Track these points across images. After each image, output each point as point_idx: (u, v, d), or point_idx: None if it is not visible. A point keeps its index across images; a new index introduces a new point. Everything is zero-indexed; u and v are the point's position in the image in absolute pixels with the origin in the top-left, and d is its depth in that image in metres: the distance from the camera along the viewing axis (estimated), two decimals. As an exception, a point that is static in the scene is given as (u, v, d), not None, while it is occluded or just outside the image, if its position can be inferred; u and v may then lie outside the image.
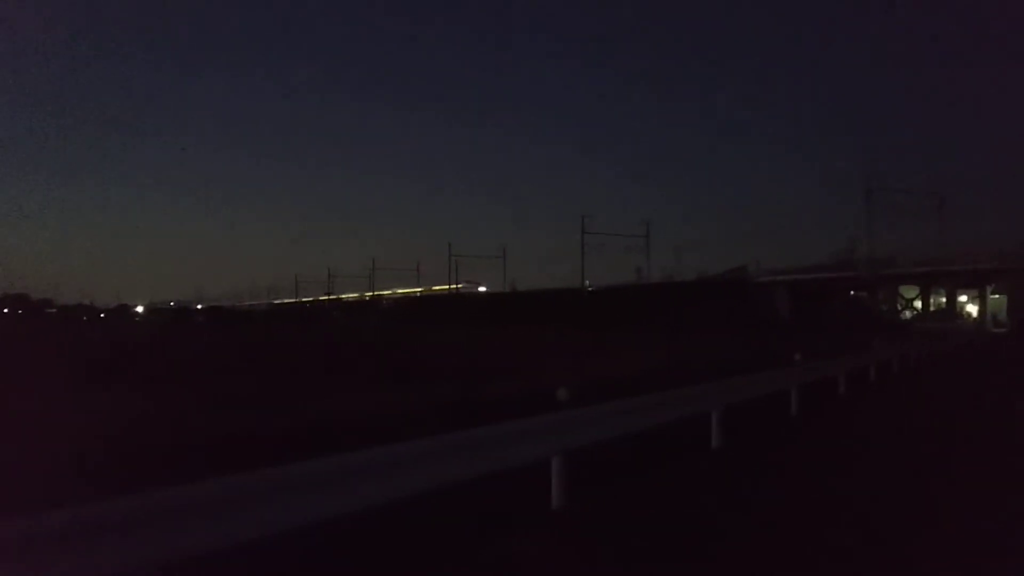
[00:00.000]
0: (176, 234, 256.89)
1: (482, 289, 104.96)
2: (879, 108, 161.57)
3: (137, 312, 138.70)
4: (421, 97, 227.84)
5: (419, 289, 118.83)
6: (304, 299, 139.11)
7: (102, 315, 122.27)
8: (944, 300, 73.43)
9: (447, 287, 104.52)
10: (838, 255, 65.72)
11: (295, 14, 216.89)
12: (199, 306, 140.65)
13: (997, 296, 64.72)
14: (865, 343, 18.96)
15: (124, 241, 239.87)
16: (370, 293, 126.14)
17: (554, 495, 5.70)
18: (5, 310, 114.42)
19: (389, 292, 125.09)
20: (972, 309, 70.88)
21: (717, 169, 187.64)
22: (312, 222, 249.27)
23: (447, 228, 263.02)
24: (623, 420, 6.79)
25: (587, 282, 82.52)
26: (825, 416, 11.49)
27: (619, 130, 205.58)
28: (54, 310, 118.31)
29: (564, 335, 38.06)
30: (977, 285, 66.83)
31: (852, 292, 70.44)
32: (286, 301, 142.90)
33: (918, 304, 73.93)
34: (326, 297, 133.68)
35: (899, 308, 72.75)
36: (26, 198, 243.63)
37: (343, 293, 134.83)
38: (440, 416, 8.39)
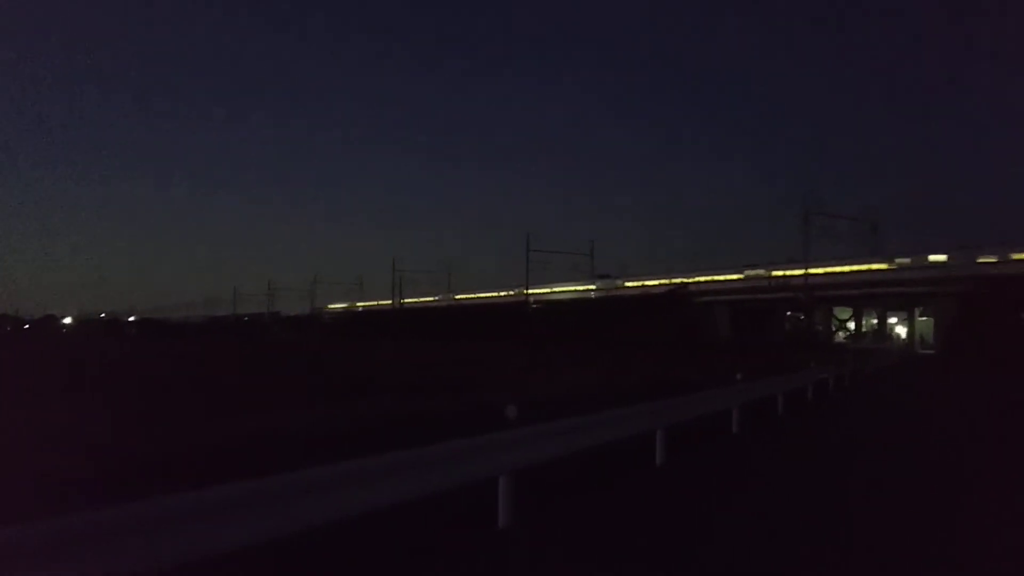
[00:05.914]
0: (111, 245, 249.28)
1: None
2: (819, 133, 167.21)
3: (64, 323, 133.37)
4: (369, 115, 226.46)
5: (360, 304, 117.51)
6: (242, 312, 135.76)
7: (26, 326, 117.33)
8: (876, 322, 75.99)
9: (390, 302, 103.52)
10: (774, 278, 67.32)
11: (250, 41, 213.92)
12: (131, 318, 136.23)
13: (925, 319, 67.18)
14: (803, 363, 19.35)
15: (55, 251, 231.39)
16: (310, 307, 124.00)
17: (501, 514, 5.57)
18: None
19: (329, 307, 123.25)
20: (902, 331, 73.46)
21: (660, 187, 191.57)
22: (253, 236, 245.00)
23: (392, 243, 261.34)
24: (569, 438, 6.70)
25: (531, 299, 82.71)
26: (765, 434, 11.60)
27: (567, 151, 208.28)
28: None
29: (508, 351, 37.98)
30: (907, 308, 69.40)
31: (789, 313, 72.26)
32: (224, 314, 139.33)
33: (851, 325, 76.37)
34: (265, 311, 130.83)
35: (833, 329, 74.92)
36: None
37: (283, 307, 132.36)
38: (382, 432, 8.19)
